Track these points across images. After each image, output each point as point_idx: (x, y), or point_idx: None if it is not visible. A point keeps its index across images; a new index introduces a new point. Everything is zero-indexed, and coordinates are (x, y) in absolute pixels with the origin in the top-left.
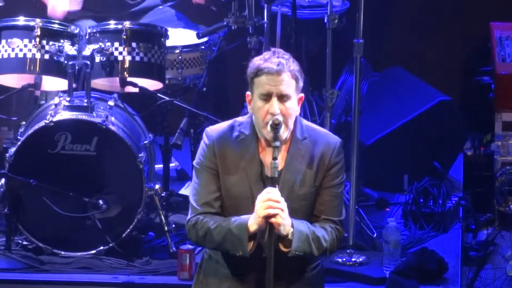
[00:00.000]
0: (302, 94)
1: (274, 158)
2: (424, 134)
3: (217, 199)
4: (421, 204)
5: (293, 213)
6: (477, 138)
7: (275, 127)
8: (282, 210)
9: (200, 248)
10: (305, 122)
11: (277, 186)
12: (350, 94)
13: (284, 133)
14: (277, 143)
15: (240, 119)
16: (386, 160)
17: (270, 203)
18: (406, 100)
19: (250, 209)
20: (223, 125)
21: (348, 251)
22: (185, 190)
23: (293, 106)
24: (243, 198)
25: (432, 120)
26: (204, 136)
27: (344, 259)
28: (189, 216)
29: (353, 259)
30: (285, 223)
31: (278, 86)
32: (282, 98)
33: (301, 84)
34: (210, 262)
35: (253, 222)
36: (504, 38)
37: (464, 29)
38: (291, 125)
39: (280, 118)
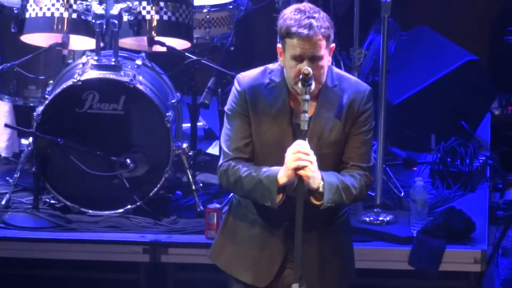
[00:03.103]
0: (333, 45)
1: (304, 111)
2: (451, 94)
3: (248, 144)
4: (449, 164)
5: (323, 160)
6: (504, 97)
7: (306, 79)
8: (311, 162)
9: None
10: (336, 70)
11: (306, 139)
12: (378, 53)
13: (316, 89)
14: (307, 97)
15: (271, 66)
16: (413, 120)
17: (300, 155)
18: (433, 60)
19: (279, 156)
20: (254, 72)
21: (375, 210)
22: (213, 149)
23: (325, 64)
24: (273, 145)
25: (460, 80)
26: (235, 82)
27: (371, 218)
28: (220, 161)
29: (380, 218)
30: (315, 175)
31: (310, 49)
32: (314, 58)
33: (332, 37)
34: (239, 207)
35: (283, 174)
36: None
37: None
38: (322, 81)
39: (310, 73)
